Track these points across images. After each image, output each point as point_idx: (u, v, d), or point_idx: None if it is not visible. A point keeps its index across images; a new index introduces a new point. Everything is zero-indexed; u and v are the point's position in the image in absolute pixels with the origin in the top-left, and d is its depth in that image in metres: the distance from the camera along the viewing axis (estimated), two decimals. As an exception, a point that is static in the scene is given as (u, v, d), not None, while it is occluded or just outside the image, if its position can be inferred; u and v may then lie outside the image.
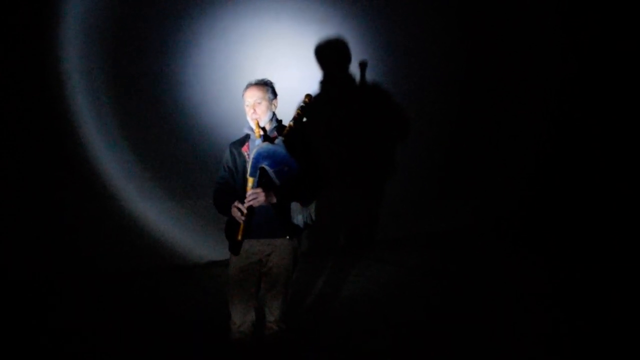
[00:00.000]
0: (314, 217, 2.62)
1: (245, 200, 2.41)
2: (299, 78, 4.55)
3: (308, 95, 2.70)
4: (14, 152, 4.06)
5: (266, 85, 2.58)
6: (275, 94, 2.61)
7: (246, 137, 2.63)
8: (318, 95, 4.66)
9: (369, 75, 4.96)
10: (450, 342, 3.20)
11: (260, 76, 2.62)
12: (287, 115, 2.69)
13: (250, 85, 2.58)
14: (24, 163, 4.09)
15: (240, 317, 2.60)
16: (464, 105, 5.57)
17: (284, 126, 2.58)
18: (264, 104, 2.54)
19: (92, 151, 4.29)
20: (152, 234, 4.51)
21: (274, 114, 2.61)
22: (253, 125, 2.54)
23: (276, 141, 2.46)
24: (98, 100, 4.26)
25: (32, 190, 4.11)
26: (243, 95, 2.57)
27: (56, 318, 3.59)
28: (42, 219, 4.14)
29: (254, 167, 2.44)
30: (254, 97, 2.53)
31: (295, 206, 2.53)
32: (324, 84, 4.71)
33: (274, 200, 2.43)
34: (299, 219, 2.55)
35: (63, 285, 4.11)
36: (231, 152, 2.63)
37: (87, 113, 4.24)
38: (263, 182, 2.49)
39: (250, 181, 2.44)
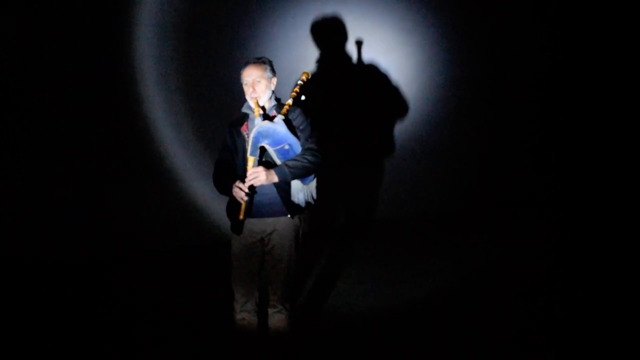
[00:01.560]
0: (315, 196, 2.61)
1: (246, 180, 2.40)
2: (296, 57, 4.59)
3: (305, 73, 2.67)
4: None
5: (264, 64, 2.54)
6: (273, 72, 2.58)
7: (244, 117, 2.60)
8: (317, 74, 4.66)
9: (368, 54, 4.94)
10: (451, 321, 3.23)
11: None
12: (285, 94, 2.68)
13: (248, 63, 2.54)
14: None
15: (244, 297, 2.61)
16: (466, 84, 5.54)
17: (283, 105, 2.56)
18: (263, 82, 2.51)
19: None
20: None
21: (272, 92, 2.59)
22: (252, 104, 2.52)
23: (276, 120, 2.44)
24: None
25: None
26: (241, 73, 2.54)
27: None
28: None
29: (254, 146, 2.42)
30: (252, 75, 2.50)
31: (296, 185, 2.52)
32: (322, 62, 4.70)
33: (275, 179, 2.41)
34: (300, 197, 2.54)
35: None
36: (230, 132, 2.61)
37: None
38: (263, 161, 2.48)
39: (251, 160, 2.42)
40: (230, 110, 4.42)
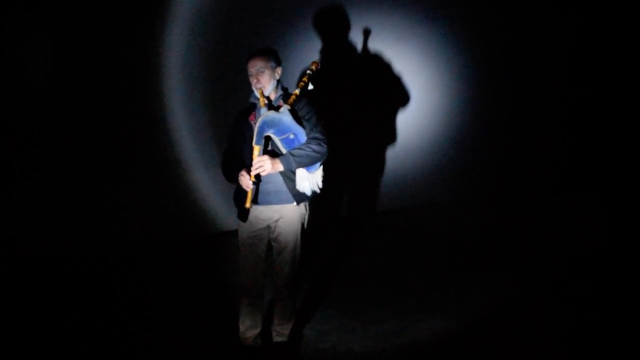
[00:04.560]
0: (320, 185, 2.64)
1: (252, 169, 2.45)
2: (304, 46, 4.63)
3: (315, 62, 2.69)
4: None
5: (268, 54, 2.57)
6: (278, 62, 2.60)
7: (252, 107, 2.64)
8: (323, 64, 4.62)
9: (375, 44, 4.94)
10: (452, 307, 3.28)
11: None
12: (294, 84, 2.71)
13: (252, 54, 2.57)
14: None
15: (250, 282, 2.67)
16: (473, 75, 5.52)
17: (290, 94, 2.60)
18: (267, 72, 2.54)
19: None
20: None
21: (278, 82, 2.62)
22: (258, 94, 2.56)
23: (281, 109, 2.48)
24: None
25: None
26: (246, 64, 2.58)
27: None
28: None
29: (259, 135, 2.46)
30: (256, 66, 2.53)
31: (301, 173, 2.56)
32: (328, 51, 4.71)
33: (281, 167, 2.46)
34: (304, 185, 2.58)
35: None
36: (238, 121, 2.65)
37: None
38: (269, 150, 2.53)
39: (257, 149, 2.47)
40: (243, 104, 4.51)
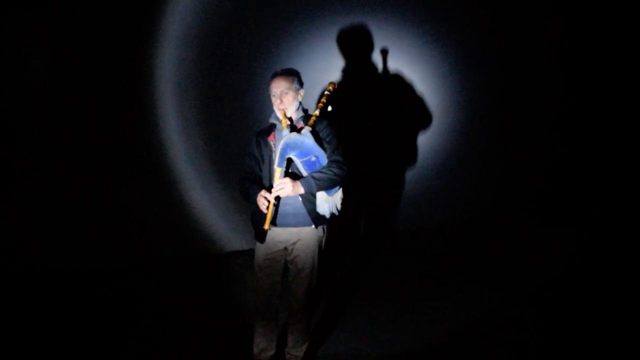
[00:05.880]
0: (339, 207, 2.62)
1: (273, 190, 2.41)
2: (321, 68, 4.57)
3: (332, 83, 2.66)
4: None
5: (292, 75, 2.55)
6: (301, 84, 2.59)
7: (272, 127, 2.61)
8: (339, 85, 4.61)
9: (391, 65, 4.91)
10: (467, 329, 3.27)
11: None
12: (310, 104, 2.67)
13: (276, 75, 2.54)
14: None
15: (265, 303, 2.65)
16: (484, 95, 5.48)
17: (310, 116, 2.56)
18: (291, 94, 2.52)
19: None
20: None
21: (300, 103, 2.60)
22: (280, 115, 2.52)
23: (303, 131, 2.45)
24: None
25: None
26: (269, 85, 2.54)
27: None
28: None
29: (281, 157, 2.43)
30: (280, 87, 2.51)
31: (321, 196, 2.53)
32: (346, 73, 4.68)
33: (302, 190, 2.43)
34: (324, 208, 2.55)
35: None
36: (257, 141, 2.62)
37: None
38: (290, 172, 2.49)
39: (278, 171, 2.44)
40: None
